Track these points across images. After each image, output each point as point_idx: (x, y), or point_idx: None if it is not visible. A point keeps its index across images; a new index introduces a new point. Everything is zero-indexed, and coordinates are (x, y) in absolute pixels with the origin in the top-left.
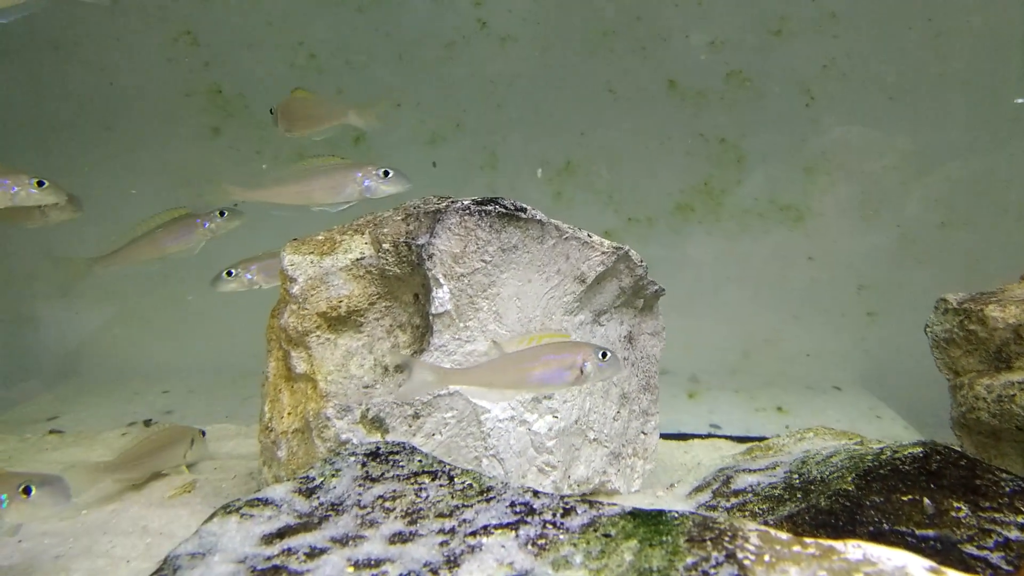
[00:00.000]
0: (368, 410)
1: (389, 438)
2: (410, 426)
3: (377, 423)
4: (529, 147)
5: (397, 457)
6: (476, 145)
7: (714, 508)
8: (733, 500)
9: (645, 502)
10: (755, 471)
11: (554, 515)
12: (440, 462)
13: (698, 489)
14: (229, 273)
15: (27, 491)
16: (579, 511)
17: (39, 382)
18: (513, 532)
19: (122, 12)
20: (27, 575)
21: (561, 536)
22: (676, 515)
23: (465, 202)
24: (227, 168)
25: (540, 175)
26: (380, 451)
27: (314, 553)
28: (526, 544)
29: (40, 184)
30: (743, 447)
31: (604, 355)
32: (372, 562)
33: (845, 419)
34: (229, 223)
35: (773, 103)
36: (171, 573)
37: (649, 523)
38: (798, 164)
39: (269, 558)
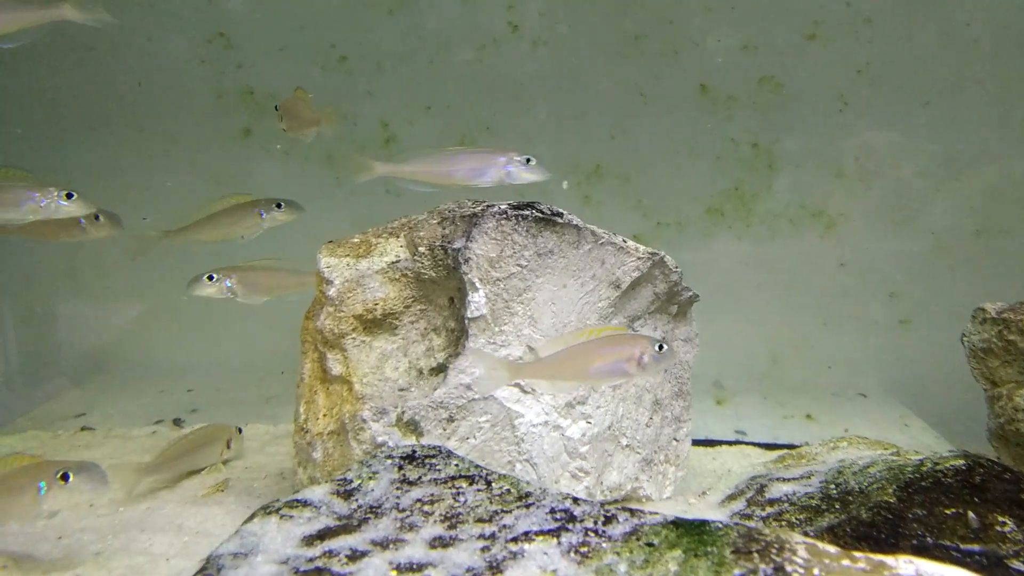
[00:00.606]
0: (403, 413)
1: (424, 441)
2: (444, 429)
3: (412, 426)
4: (558, 151)
5: (434, 461)
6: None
7: (749, 517)
8: (768, 509)
9: (678, 509)
10: (789, 480)
11: (595, 523)
12: (477, 466)
13: (731, 497)
14: (210, 277)
15: (65, 478)
16: (620, 519)
17: (65, 379)
18: (555, 539)
19: (156, 14)
20: (69, 570)
21: (604, 544)
22: (720, 525)
23: (502, 206)
24: (260, 168)
25: (566, 187)
26: (416, 454)
27: (355, 556)
28: (568, 552)
29: (69, 196)
30: (772, 454)
31: (660, 347)
32: (414, 566)
33: (874, 427)
34: (286, 216)
35: (805, 108)
36: (215, 572)
37: (693, 533)
38: (830, 169)
39: (311, 559)
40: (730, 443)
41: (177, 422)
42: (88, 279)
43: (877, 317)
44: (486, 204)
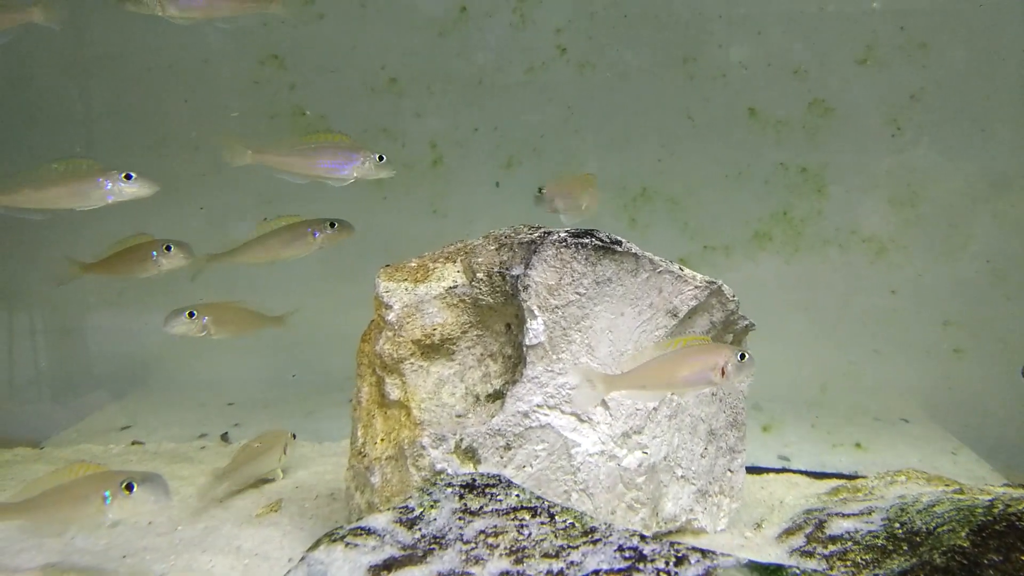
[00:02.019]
0: (462, 440)
1: (481, 469)
2: (501, 457)
3: (470, 453)
4: (605, 173)
5: (494, 490)
6: (552, 171)
7: (810, 555)
8: (831, 547)
9: (734, 543)
10: (849, 516)
11: (667, 563)
12: (538, 498)
13: (788, 532)
14: (191, 315)
15: (129, 488)
16: (692, 560)
17: (105, 392)
18: None
19: (212, 36)
20: None
21: None
22: (798, 571)
23: (561, 234)
24: (308, 187)
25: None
26: (476, 483)
27: None
28: None
29: (128, 177)
30: (821, 484)
31: (743, 356)
32: None
33: (926, 459)
34: (338, 235)
35: (857, 133)
36: None
37: None
38: (882, 195)
39: None
40: (777, 471)
41: (224, 437)
42: (127, 293)
43: (930, 345)
44: (544, 231)
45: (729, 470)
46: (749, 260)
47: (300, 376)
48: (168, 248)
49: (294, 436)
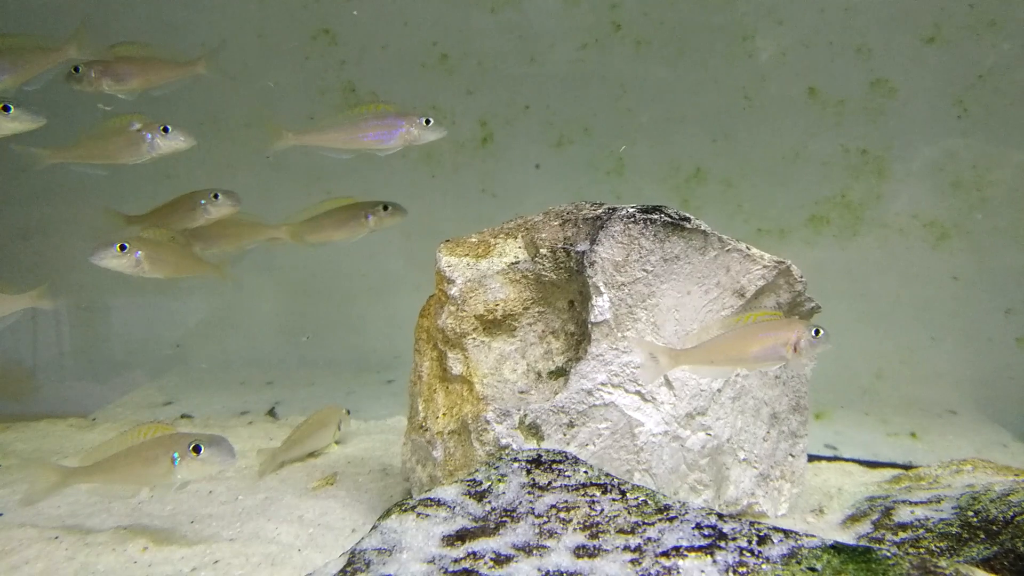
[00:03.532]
0: (525, 416)
1: (544, 445)
2: (564, 435)
3: (533, 429)
4: (658, 153)
5: (561, 466)
6: (604, 150)
7: (879, 541)
8: (902, 535)
9: (797, 528)
10: (917, 504)
11: (749, 542)
12: (607, 475)
13: (853, 519)
14: (122, 247)
15: (197, 449)
16: (775, 539)
17: (143, 371)
18: (708, 557)
19: (265, 11)
20: (212, 556)
21: (764, 566)
22: (889, 554)
23: (629, 209)
24: (356, 165)
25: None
26: (543, 459)
27: (501, 560)
28: (726, 571)
29: (165, 130)
30: (875, 473)
31: (817, 332)
32: (564, 575)
33: (984, 448)
34: (392, 218)
35: (921, 114)
36: (364, 567)
37: (859, 560)
38: (945, 179)
39: (457, 560)
40: (828, 459)
41: (272, 413)
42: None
43: (991, 334)
44: (609, 207)
45: (791, 455)
46: (805, 244)
47: (339, 357)
48: (216, 196)
49: (348, 412)
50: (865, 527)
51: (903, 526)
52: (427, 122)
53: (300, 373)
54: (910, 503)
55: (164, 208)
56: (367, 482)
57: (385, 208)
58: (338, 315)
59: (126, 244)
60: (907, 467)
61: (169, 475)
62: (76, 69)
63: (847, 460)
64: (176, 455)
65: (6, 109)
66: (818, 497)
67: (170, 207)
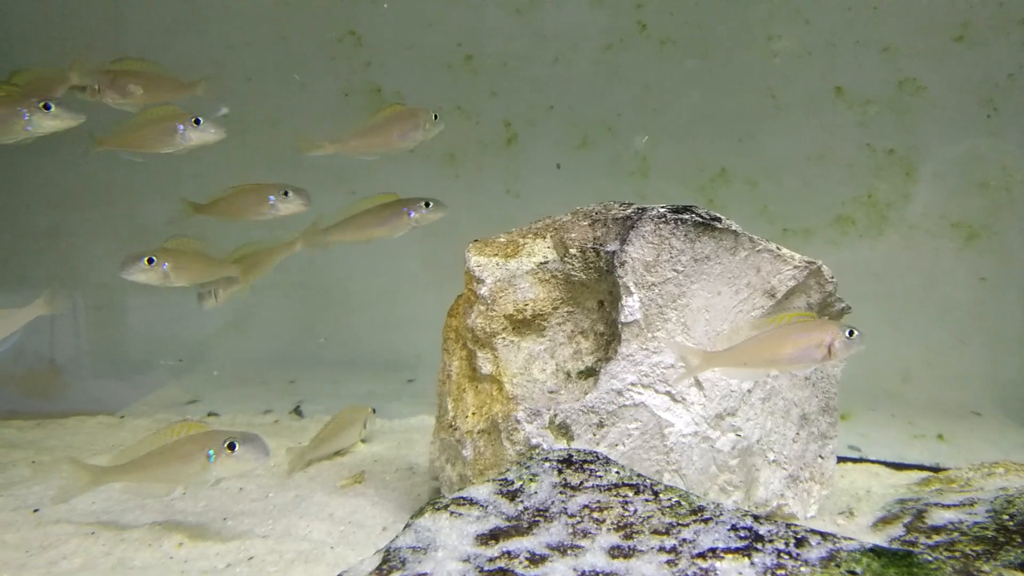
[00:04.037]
0: (555, 416)
1: (574, 445)
2: (594, 435)
3: (563, 429)
4: (683, 152)
5: (592, 466)
6: (628, 150)
7: (913, 544)
8: (936, 538)
9: (827, 529)
10: (950, 507)
11: (787, 544)
12: (639, 475)
13: (884, 521)
14: (150, 261)
15: (232, 447)
16: (812, 542)
17: (165, 371)
18: (746, 559)
19: (291, 12)
20: (246, 552)
21: (802, 569)
22: (930, 558)
23: (660, 209)
24: (380, 165)
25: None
26: (574, 459)
27: (536, 559)
28: (764, 574)
29: (197, 122)
30: (903, 475)
31: (851, 333)
32: (600, 575)
33: (1012, 451)
34: (433, 214)
35: (949, 113)
36: (399, 565)
37: (899, 564)
38: (974, 179)
39: (492, 559)
40: (854, 460)
41: (297, 411)
42: None
43: (1019, 336)
44: (639, 207)
45: (820, 456)
46: (830, 244)
47: (360, 356)
48: (286, 193)
49: (374, 411)
50: (897, 530)
51: (937, 529)
52: (435, 117)
53: (321, 372)
54: (942, 506)
55: (231, 197)
56: (394, 480)
57: (427, 204)
58: (359, 314)
59: (153, 258)
60: (934, 469)
61: (205, 472)
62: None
63: (873, 462)
64: (211, 452)
65: (47, 107)
66: (846, 499)
67: (237, 197)
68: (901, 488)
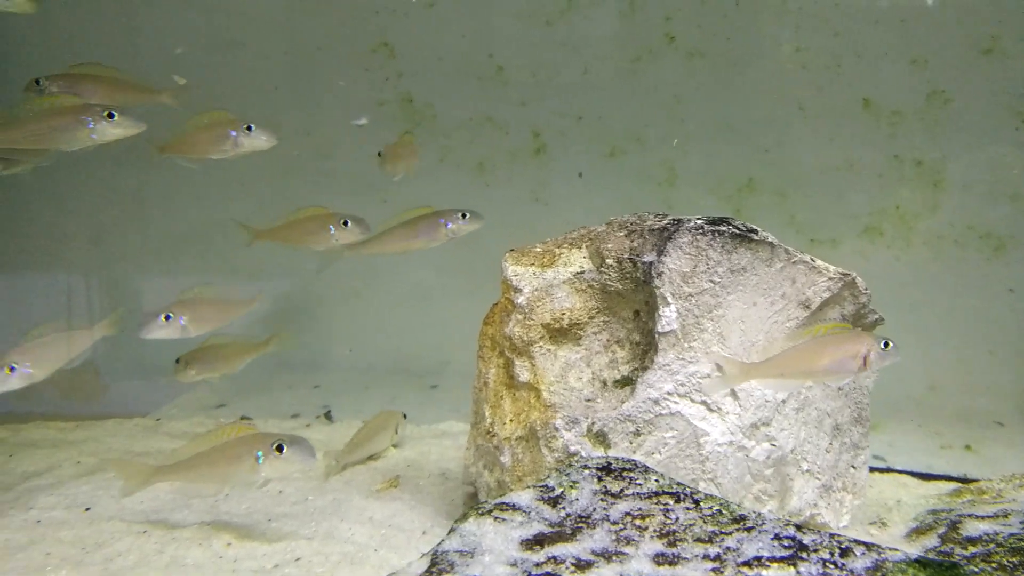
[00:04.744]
0: (593, 424)
1: (611, 453)
2: (631, 443)
3: (601, 437)
4: (710, 163)
5: (632, 474)
6: (656, 160)
7: (949, 555)
8: (972, 549)
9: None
10: (984, 518)
11: (831, 554)
12: (678, 483)
13: (918, 531)
14: (167, 318)
15: (280, 449)
16: (857, 552)
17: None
18: (792, 568)
19: (326, 22)
20: (293, 553)
21: None
22: (976, 570)
23: (697, 221)
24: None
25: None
26: (612, 466)
27: (582, 565)
28: None
29: (248, 129)
30: (930, 485)
31: (886, 344)
32: None
33: None
34: (470, 225)
35: (978, 125)
36: (448, 568)
37: (945, 575)
38: (1003, 191)
39: (539, 564)
40: (881, 470)
41: (328, 416)
42: (214, 277)
43: None
44: (674, 218)
45: (852, 466)
46: (857, 255)
47: (385, 364)
48: (346, 223)
49: (405, 416)
50: (932, 541)
51: (972, 540)
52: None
53: (344, 378)
54: (976, 517)
55: (291, 224)
56: (427, 485)
57: (463, 216)
58: (382, 320)
59: (170, 314)
60: (963, 480)
61: (254, 473)
62: (37, 82)
63: (900, 472)
64: (260, 454)
65: (111, 116)
66: (876, 509)
67: (298, 225)
68: (931, 499)
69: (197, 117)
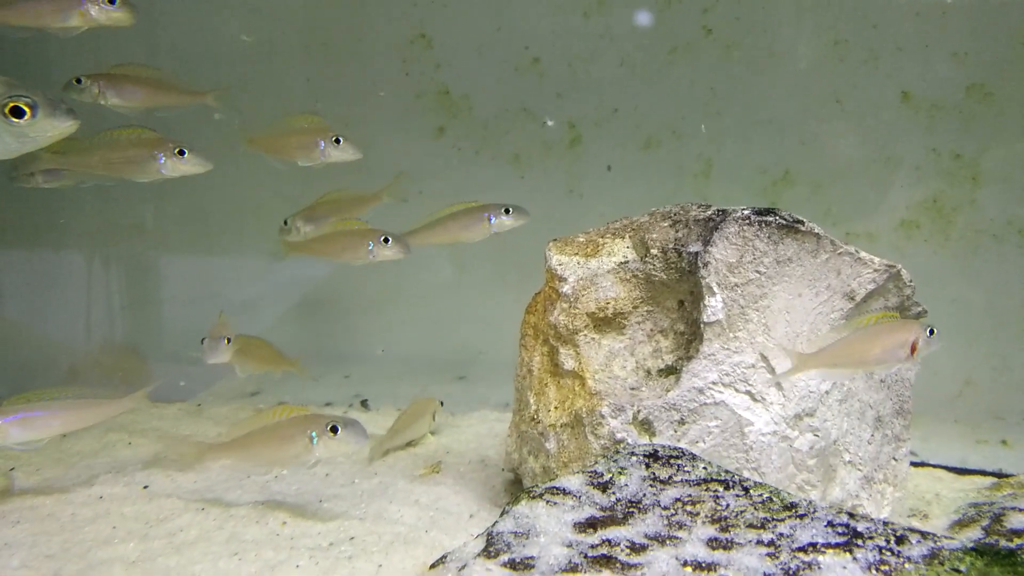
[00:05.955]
0: (639, 412)
1: (656, 441)
2: (675, 431)
3: (646, 425)
4: (746, 155)
5: (679, 461)
6: (692, 152)
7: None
8: (1017, 541)
9: None
10: None
11: (887, 541)
12: (726, 471)
13: (961, 524)
14: (78, 81)
15: (334, 430)
16: (912, 540)
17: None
18: (848, 554)
19: (366, 14)
20: (346, 532)
21: (906, 566)
22: None
23: (744, 211)
24: (449, 165)
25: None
26: (660, 453)
27: (636, 547)
28: (868, 569)
29: (337, 141)
30: (965, 479)
31: (931, 332)
32: (703, 564)
33: None
34: (514, 221)
35: (1018, 119)
36: (505, 548)
37: (1004, 563)
38: None
39: (594, 546)
40: (915, 464)
41: (364, 404)
42: (249, 263)
43: None
44: (718, 208)
45: (894, 458)
46: (894, 249)
47: (415, 354)
48: (386, 240)
49: (442, 404)
50: (976, 532)
51: (1017, 532)
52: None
53: (373, 368)
54: (1019, 510)
55: (331, 237)
56: (468, 471)
57: (507, 211)
58: (413, 311)
59: (229, 337)
60: (998, 474)
61: (307, 453)
62: (78, 80)
63: (934, 466)
64: (314, 434)
65: (181, 153)
66: (913, 502)
67: (337, 239)
68: (971, 492)
69: (290, 118)
